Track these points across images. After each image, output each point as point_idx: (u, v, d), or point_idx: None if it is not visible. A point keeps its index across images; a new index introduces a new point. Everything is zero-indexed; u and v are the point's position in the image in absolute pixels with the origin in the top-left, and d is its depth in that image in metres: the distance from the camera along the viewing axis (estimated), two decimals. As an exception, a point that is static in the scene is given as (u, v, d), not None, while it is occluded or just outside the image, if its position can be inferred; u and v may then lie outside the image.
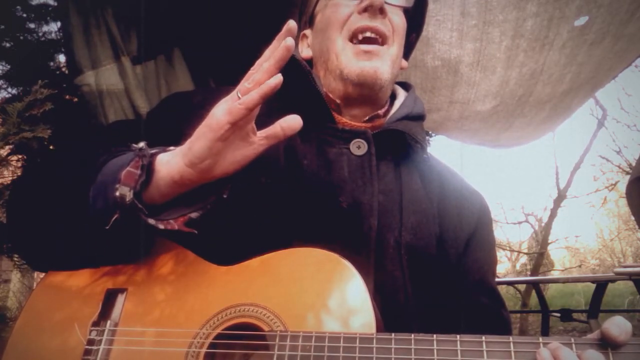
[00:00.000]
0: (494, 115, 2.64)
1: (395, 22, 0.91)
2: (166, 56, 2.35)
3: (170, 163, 0.71)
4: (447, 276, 0.91)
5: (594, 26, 2.00)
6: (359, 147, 0.88)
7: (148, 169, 0.69)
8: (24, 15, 2.46)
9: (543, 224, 10.27)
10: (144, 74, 2.29)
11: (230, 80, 1.00)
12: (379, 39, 0.89)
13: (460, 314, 0.90)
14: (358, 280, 0.71)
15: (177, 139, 0.87)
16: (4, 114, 1.65)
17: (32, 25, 2.49)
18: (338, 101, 0.93)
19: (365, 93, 0.91)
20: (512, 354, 0.62)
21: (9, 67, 2.42)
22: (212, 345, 0.71)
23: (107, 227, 0.67)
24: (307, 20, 1.03)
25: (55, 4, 2.48)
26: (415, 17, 1.00)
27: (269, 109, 0.93)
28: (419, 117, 0.99)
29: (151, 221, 0.69)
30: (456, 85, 2.37)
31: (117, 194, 0.67)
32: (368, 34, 0.88)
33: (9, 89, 2.43)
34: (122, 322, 0.75)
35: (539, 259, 9.33)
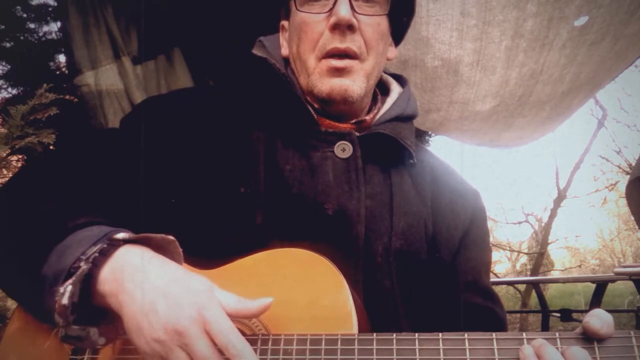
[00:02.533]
0: (493, 115, 2.64)
1: (368, 36, 0.85)
2: (166, 56, 2.36)
3: (112, 286, 0.65)
4: (439, 279, 0.88)
5: (594, 26, 2.00)
6: (343, 150, 0.85)
7: (86, 286, 0.65)
8: (24, 15, 2.47)
9: (543, 224, 10.28)
10: (144, 74, 2.29)
11: (230, 80, 0.99)
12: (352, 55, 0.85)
13: (451, 318, 0.87)
14: (340, 280, 0.70)
15: (150, 148, 0.83)
16: (5, 114, 1.65)
17: (32, 25, 2.49)
18: (317, 106, 0.89)
19: (337, 108, 0.88)
20: (496, 351, 0.61)
21: (9, 67, 2.43)
22: None
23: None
24: (284, 12, 0.94)
25: (55, 4, 2.48)
26: (403, 2, 0.93)
27: (249, 111, 0.89)
28: (410, 118, 0.95)
29: (93, 339, 0.65)
30: (456, 85, 2.36)
31: (54, 317, 0.63)
32: (338, 56, 0.84)
33: (10, 89, 2.43)
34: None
35: (539, 259, 9.33)
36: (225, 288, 0.67)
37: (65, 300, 0.62)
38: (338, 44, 0.83)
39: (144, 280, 0.64)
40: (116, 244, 0.67)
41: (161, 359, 0.61)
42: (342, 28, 0.82)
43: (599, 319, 0.60)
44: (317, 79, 0.85)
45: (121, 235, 0.68)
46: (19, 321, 0.78)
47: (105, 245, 0.66)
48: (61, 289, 0.63)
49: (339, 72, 0.83)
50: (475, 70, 2.24)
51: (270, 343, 0.66)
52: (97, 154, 0.86)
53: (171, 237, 0.70)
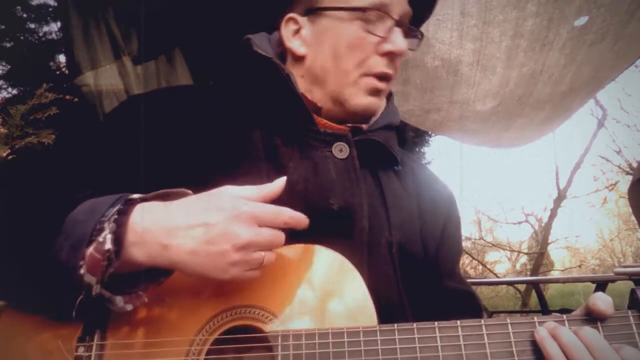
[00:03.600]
0: (493, 116, 2.64)
1: (398, 63, 0.93)
2: (167, 56, 2.36)
3: (143, 247, 0.66)
4: (428, 269, 0.94)
5: (594, 26, 2.00)
6: (341, 151, 0.89)
7: (117, 246, 0.65)
8: (24, 15, 2.47)
9: (543, 224, 10.30)
10: (144, 74, 2.29)
11: (228, 79, 0.99)
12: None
13: (440, 305, 0.92)
14: (355, 274, 0.71)
15: (135, 150, 0.82)
16: (5, 114, 1.66)
17: (32, 25, 2.50)
18: (319, 105, 0.91)
19: (356, 120, 0.93)
20: (511, 335, 0.66)
21: (9, 67, 2.43)
22: (210, 351, 0.68)
23: (72, 309, 0.63)
24: (304, 9, 0.91)
25: (55, 4, 2.49)
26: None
27: (246, 110, 0.90)
28: (395, 127, 1.02)
29: (120, 305, 0.66)
30: (456, 85, 2.37)
31: (84, 279, 0.63)
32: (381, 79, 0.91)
33: (10, 89, 2.44)
34: (110, 334, 0.70)
35: (539, 259, 9.35)
36: (237, 287, 0.69)
37: (108, 245, 0.63)
38: (386, 69, 0.89)
39: (172, 227, 0.66)
40: (133, 203, 0.68)
41: (250, 267, 0.66)
42: (395, 57, 0.90)
43: (603, 301, 0.66)
44: (355, 92, 0.90)
45: (136, 195, 0.70)
46: (9, 317, 0.75)
47: (121, 206, 0.67)
48: (100, 238, 0.63)
49: (378, 92, 0.90)
50: (475, 70, 2.25)
51: (291, 339, 0.66)
52: (94, 152, 0.86)
53: (189, 191, 0.72)
